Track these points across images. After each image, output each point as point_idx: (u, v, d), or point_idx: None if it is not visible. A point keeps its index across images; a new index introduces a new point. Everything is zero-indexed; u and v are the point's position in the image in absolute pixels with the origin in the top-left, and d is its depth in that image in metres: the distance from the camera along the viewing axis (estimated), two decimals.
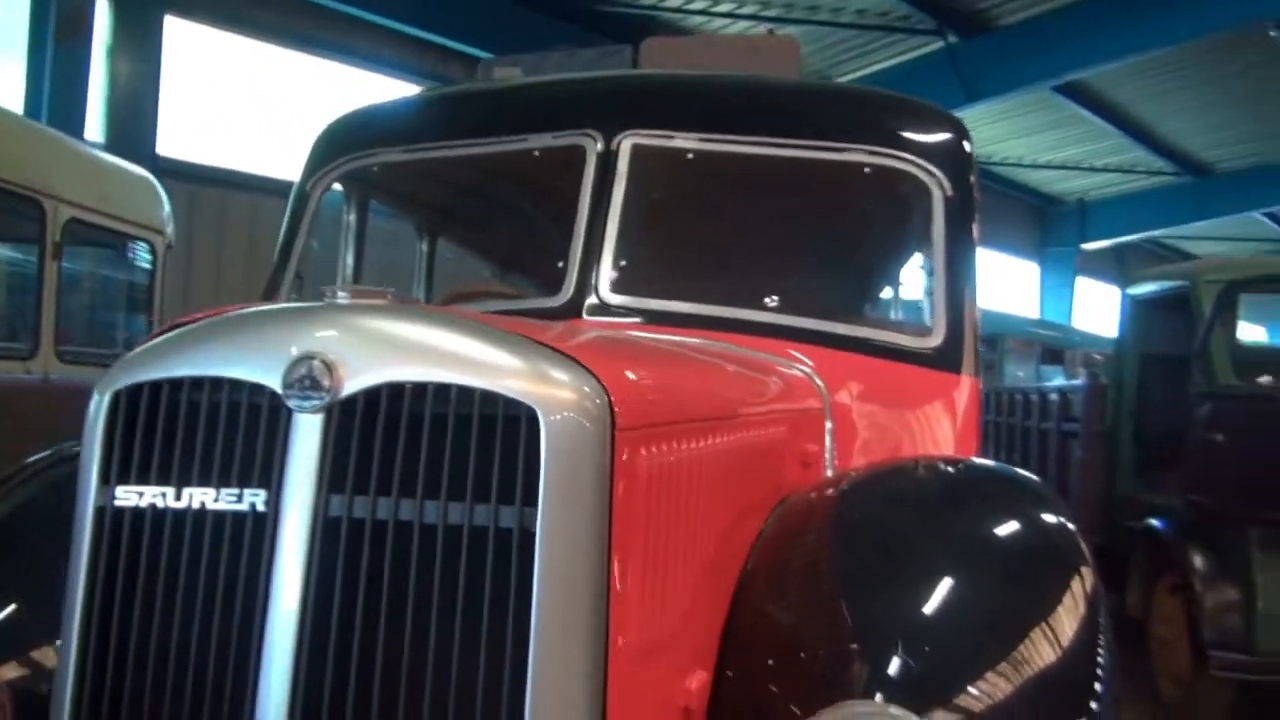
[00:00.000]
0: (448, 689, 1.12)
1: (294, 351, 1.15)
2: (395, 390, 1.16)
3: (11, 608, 1.64)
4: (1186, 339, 4.73)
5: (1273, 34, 9.84)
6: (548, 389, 1.16)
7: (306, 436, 1.15)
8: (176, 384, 1.20)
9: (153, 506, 1.19)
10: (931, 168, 2.62)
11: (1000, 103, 10.70)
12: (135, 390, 1.21)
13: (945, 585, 1.52)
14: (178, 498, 1.18)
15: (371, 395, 1.15)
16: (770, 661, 1.46)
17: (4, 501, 1.89)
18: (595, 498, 1.16)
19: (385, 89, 9.60)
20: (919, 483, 1.88)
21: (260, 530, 1.15)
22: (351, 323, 1.19)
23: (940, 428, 2.49)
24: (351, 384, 1.15)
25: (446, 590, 1.13)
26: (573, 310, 2.35)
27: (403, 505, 1.14)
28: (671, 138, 2.58)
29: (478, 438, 1.15)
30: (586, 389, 1.18)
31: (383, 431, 1.15)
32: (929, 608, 1.48)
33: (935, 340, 2.54)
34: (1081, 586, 1.55)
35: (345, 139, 2.87)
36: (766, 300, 2.59)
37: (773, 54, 3.32)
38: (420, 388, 1.15)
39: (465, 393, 1.15)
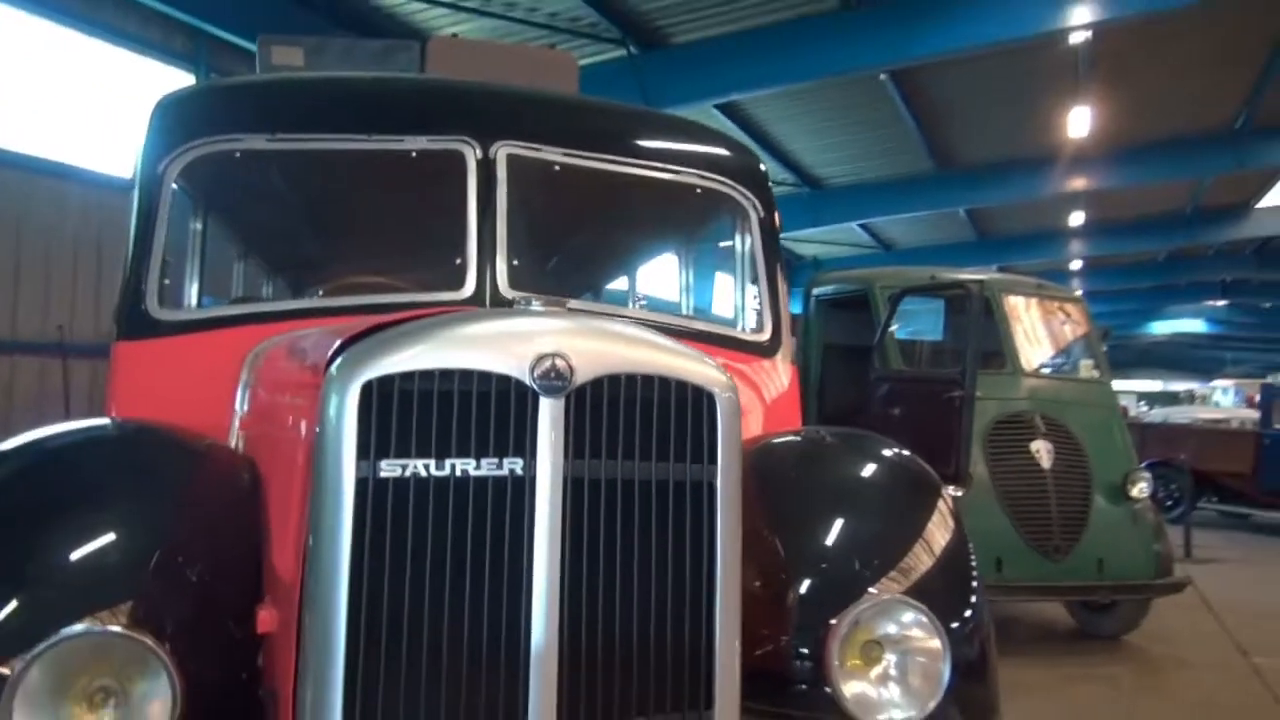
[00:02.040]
0: (663, 606, 1.52)
1: (539, 350, 1.47)
2: (614, 380, 1.52)
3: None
4: (865, 332, 5.89)
5: (881, 78, 11.93)
6: (715, 376, 1.60)
7: (551, 417, 1.47)
8: (427, 375, 1.45)
9: (416, 476, 1.44)
10: (748, 193, 3.27)
11: (674, 111, 11.88)
12: (386, 380, 1.45)
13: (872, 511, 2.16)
14: (440, 467, 1.44)
15: (597, 384, 1.51)
16: (783, 575, 1.98)
17: None
18: (739, 455, 1.62)
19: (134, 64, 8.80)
20: (822, 442, 2.51)
21: (520, 491, 1.45)
22: (577, 328, 1.53)
23: (779, 403, 3.14)
24: (581, 375, 1.49)
25: (659, 529, 1.53)
26: (478, 303, 2.65)
27: (624, 466, 1.52)
28: (540, 150, 2.96)
29: (675, 414, 1.55)
30: (727, 377, 1.62)
31: (607, 411, 1.51)
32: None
33: (765, 335, 3.18)
34: (946, 503, 2.26)
35: (197, 119, 2.84)
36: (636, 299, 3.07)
37: (554, 67, 3.77)
38: (632, 378, 1.53)
39: (664, 381, 1.55)
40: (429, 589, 1.42)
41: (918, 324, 6.65)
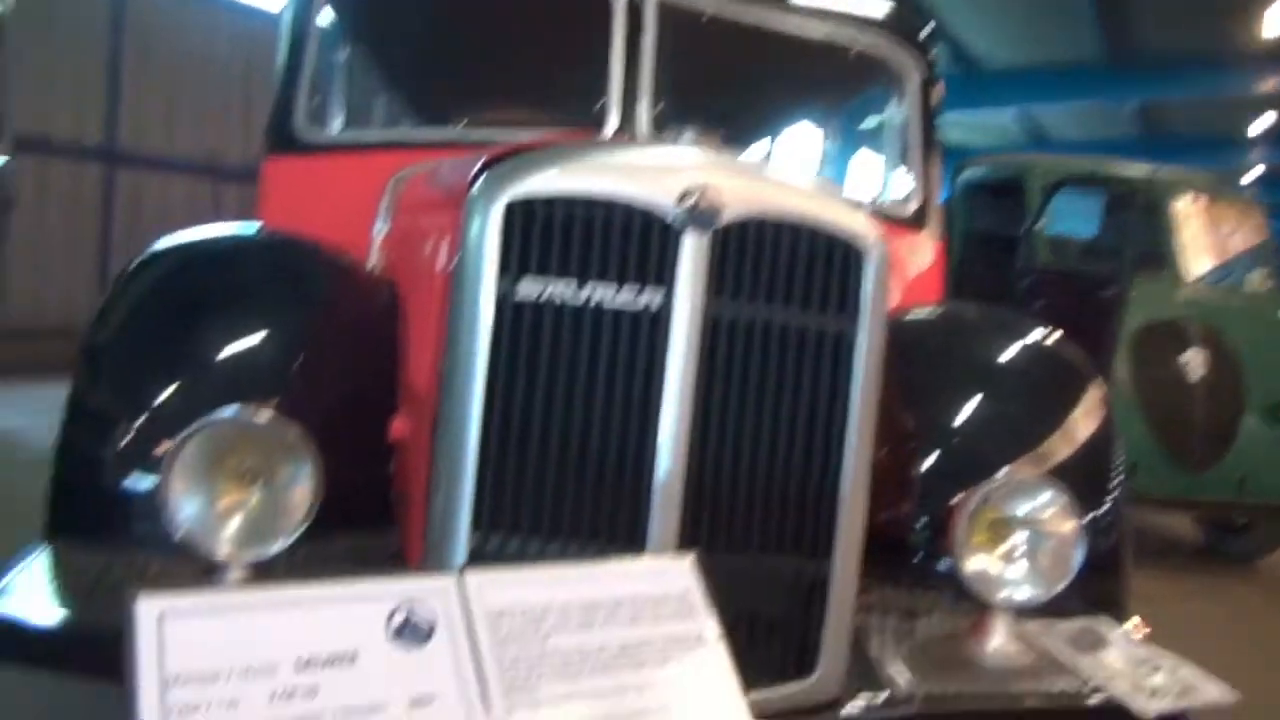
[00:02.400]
0: (790, 450, 1.49)
1: (688, 183, 1.42)
2: (761, 223, 1.46)
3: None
4: (1012, 222, 5.59)
5: None
6: (866, 229, 1.52)
7: (694, 252, 1.43)
8: (570, 199, 1.42)
9: (553, 298, 1.42)
10: (911, 55, 3.07)
11: None
12: (529, 201, 1.42)
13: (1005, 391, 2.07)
14: (578, 292, 1.42)
15: (743, 224, 1.45)
16: (915, 445, 1.93)
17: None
18: (884, 313, 1.55)
19: None
20: (968, 317, 2.41)
21: (656, 324, 1.43)
22: (729, 165, 1.47)
23: (923, 278, 3.02)
24: (728, 214, 1.44)
25: (795, 377, 1.49)
26: None
27: (765, 309, 1.47)
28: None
29: (823, 264, 1.49)
30: (878, 234, 1.54)
31: (752, 252, 1.46)
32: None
33: (913, 207, 3.04)
34: (1098, 391, 2.15)
35: None
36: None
37: None
38: (780, 223, 1.46)
39: (814, 229, 1.48)
40: (559, 407, 1.43)
41: (1070, 219, 6.28)
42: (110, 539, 1.71)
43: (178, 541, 1.53)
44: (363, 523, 1.86)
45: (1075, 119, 17.99)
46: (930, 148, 3.14)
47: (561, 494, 1.44)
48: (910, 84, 3.10)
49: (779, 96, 3.41)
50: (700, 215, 1.42)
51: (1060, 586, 1.79)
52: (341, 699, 0.74)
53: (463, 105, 3.04)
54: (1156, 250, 5.61)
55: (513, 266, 1.42)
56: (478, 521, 1.44)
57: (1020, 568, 1.81)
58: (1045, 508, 1.82)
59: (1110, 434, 2.15)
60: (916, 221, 3.03)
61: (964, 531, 1.78)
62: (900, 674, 1.65)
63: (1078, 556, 1.79)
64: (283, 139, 2.77)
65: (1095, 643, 1.91)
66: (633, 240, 1.42)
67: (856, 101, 3.43)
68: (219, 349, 1.84)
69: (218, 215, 9.09)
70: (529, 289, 1.42)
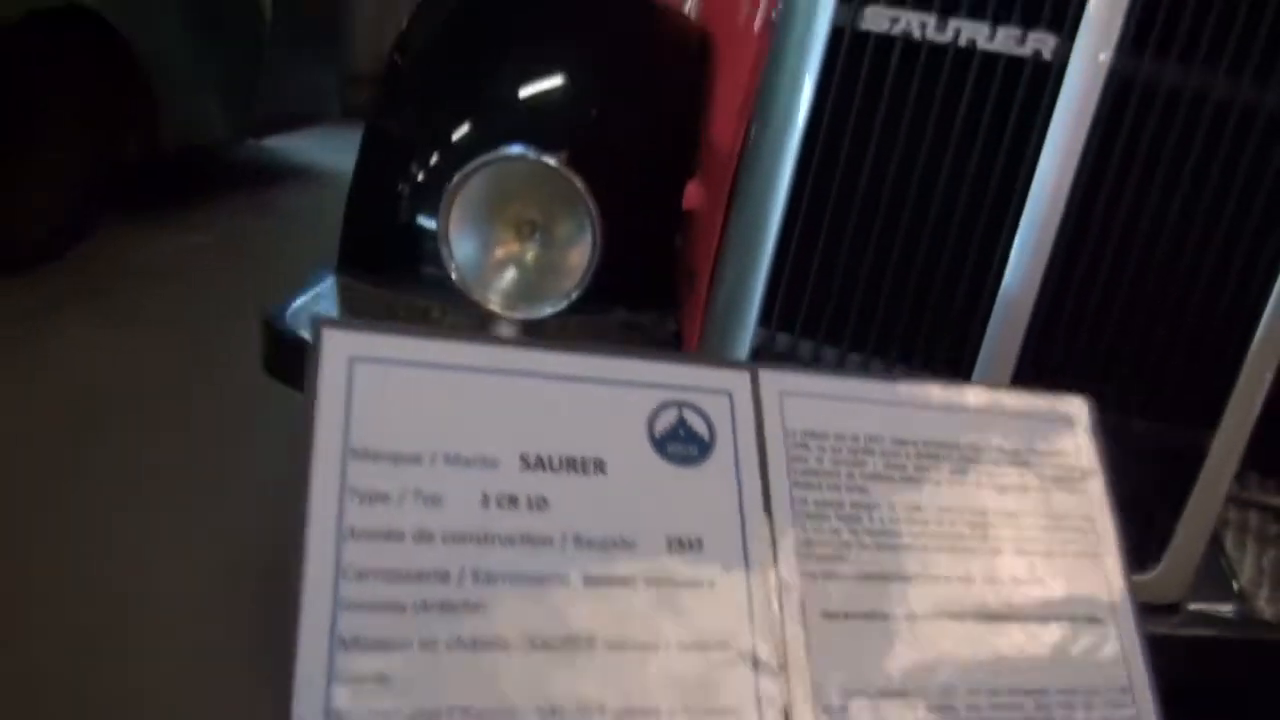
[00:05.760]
0: (1193, 280, 1.10)
1: None
2: None
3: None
4: None
5: None
6: None
7: None
8: None
9: (908, 34, 1.09)
10: None
11: None
12: None
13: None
14: (940, 28, 1.08)
15: None
16: None
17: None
18: None
19: None
20: None
21: (1042, 80, 1.06)
22: None
23: None
24: None
25: (1223, 174, 1.07)
26: None
27: (1198, 73, 1.05)
28: None
29: None
30: None
31: None
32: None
33: None
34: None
35: None
36: None
37: None
38: None
39: None
40: (892, 179, 1.12)
41: None
42: (394, 276, 1.67)
43: (453, 286, 1.43)
44: (644, 300, 1.70)
45: None
46: None
47: (875, 293, 1.15)
48: None
49: None
50: None
51: None
52: (577, 521, 0.54)
53: None
54: None
55: None
56: (767, 316, 1.20)
57: None
58: None
59: None
60: None
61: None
62: (1258, 588, 1.28)
63: None
64: None
65: None
66: None
67: None
68: (516, 86, 1.70)
69: None
70: (875, 18, 1.09)
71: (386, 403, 0.53)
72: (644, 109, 1.79)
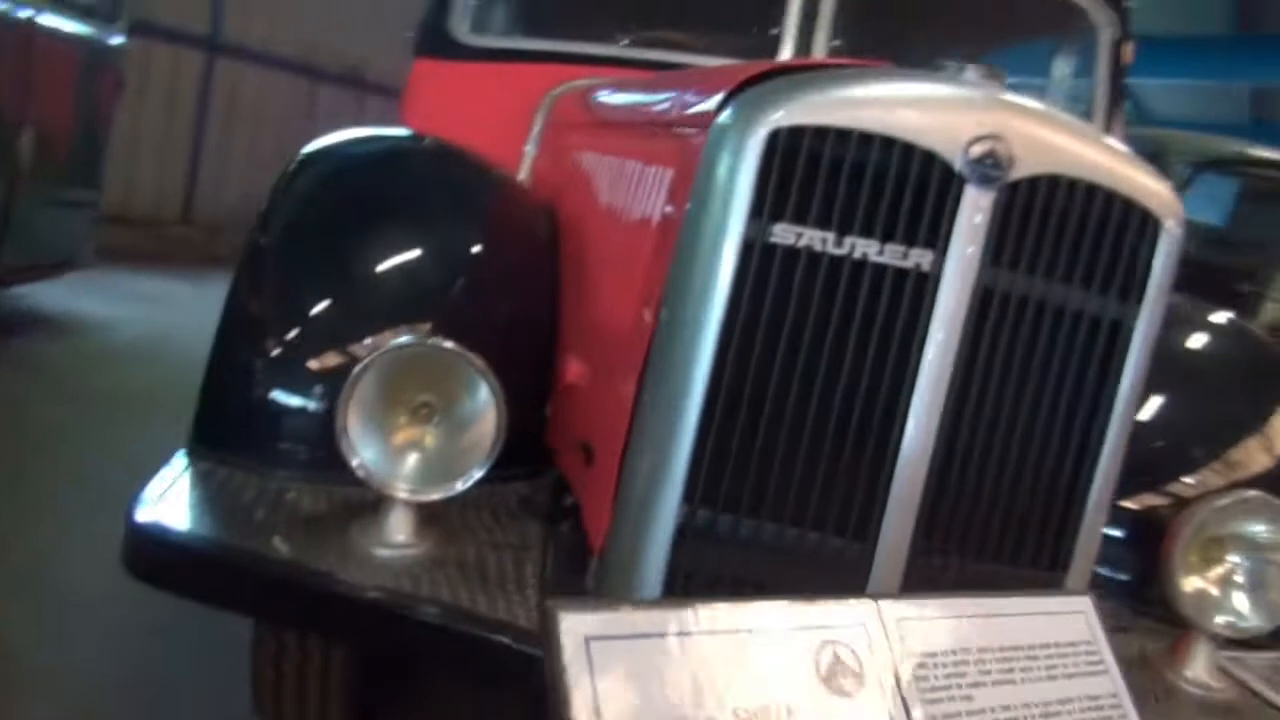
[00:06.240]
0: (1046, 449, 1.32)
1: (979, 130, 1.23)
2: (1054, 180, 1.26)
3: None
4: None
5: None
6: (1169, 200, 1.32)
7: (975, 211, 1.24)
8: (844, 134, 1.24)
9: (810, 249, 1.25)
10: (1105, 9, 2.81)
11: None
12: (796, 131, 1.24)
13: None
14: (838, 244, 1.25)
15: (1035, 181, 1.26)
16: None
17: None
18: (1165, 301, 1.36)
19: None
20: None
21: (921, 289, 1.25)
22: (1024, 109, 1.27)
23: None
24: (1020, 169, 1.25)
25: (1062, 366, 1.31)
26: None
27: (1043, 286, 1.28)
28: None
29: (1113, 236, 1.30)
30: (1178, 205, 1.34)
31: (1039, 216, 1.27)
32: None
33: None
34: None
35: None
36: None
37: None
38: (1075, 182, 1.27)
39: (1110, 194, 1.29)
40: (801, 370, 1.26)
41: (1194, 204, 5.92)
42: (253, 455, 1.61)
43: (357, 475, 1.41)
44: (533, 472, 1.74)
45: (1179, 97, 17.11)
46: (1116, 109, 2.90)
47: (789, 471, 1.28)
48: (1102, 38, 2.86)
49: (964, 38, 3.16)
50: (990, 168, 1.23)
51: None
52: None
53: (627, 22, 2.84)
54: None
55: (766, 210, 1.25)
56: (690, 493, 1.29)
57: (1240, 593, 1.65)
58: (1272, 531, 1.64)
59: None
60: None
61: (1182, 550, 1.62)
62: None
63: None
64: (437, 41, 2.61)
65: None
66: (907, 190, 1.24)
67: (1044, 51, 3.18)
68: (378, 265, 1.73)
69: (312, 116, 8.94)
70: (783, 234, 1.25)
71: (623, 677, 0.56)
72: (508, 285, 1.87)
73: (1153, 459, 1.84)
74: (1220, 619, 1.63)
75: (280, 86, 9.19)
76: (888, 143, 1.24)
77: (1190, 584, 1.64)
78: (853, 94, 1.26)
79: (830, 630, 0.66)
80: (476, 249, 1.83)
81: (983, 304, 1.26)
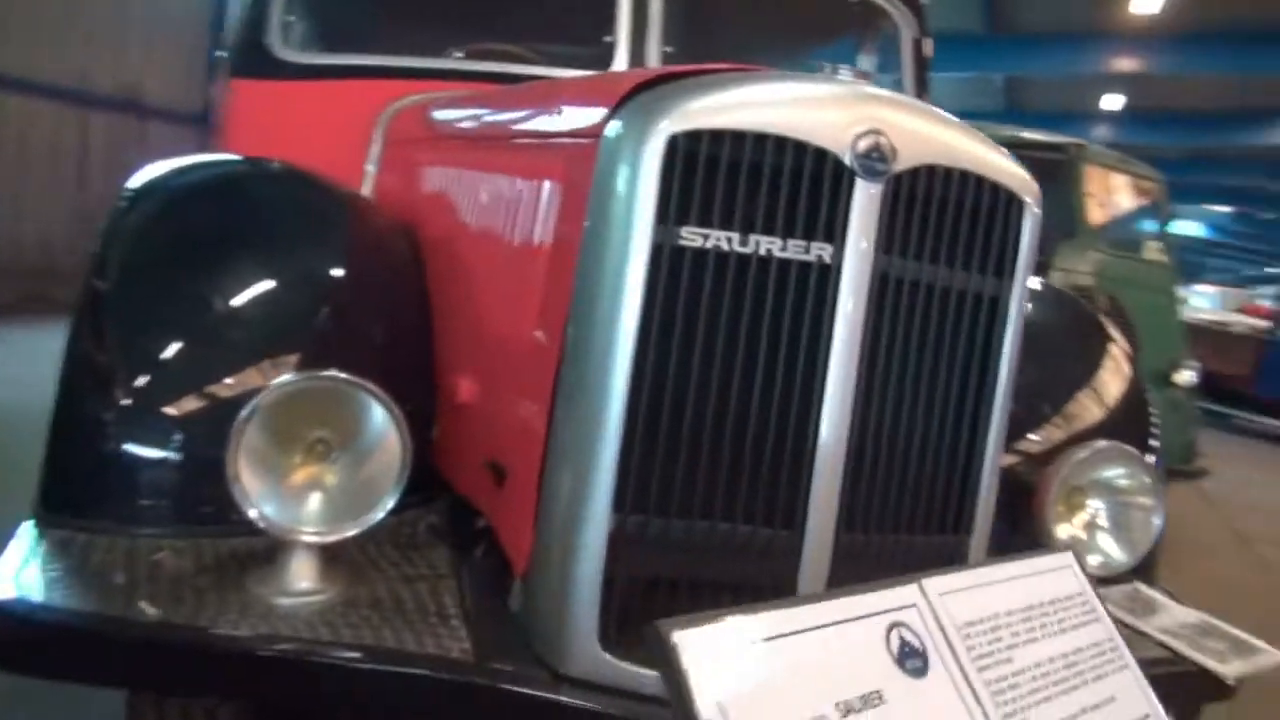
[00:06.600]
0: (944, 421, 1.40)
1: (864, 127, 1.29)
2: (931, 170, 1.34)
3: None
4: None
5: None
6: (1028, 182, 1.43)
7: (867, 203, 1.30)
8: (739, 136, 1.27)
9: (717, 249, 1.27)
10: (905, 10, 3.03)
11: None
12: (694, 135, 1.26)
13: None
14: (743, 243, 1.28)
15: (914, 173, 1.33)
16: None
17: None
18: (1029, 274, 1.47)
19: None
20: None
21: (824, 280, 1.30)
22: (902, 104, 1.34)
23: None
24: (902, 161, 1.32)
25: (952, 342, 1.39)
26: None
27: (930, 269, 1.36)
28: None
29: (985, 218, 1.39)
30: (1035, 186, 1.46)
31: (921, 205, 1.34)
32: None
33: None
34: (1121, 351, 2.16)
35: None
36: None
37: None
38: (950, 171, 1.35)
39: (980, 180, 1.38)
40: (718, 371, 1.28)
41: None
42: (112, 516, 1.48)
43: (255, 524, 1.32)
44: (410, 495, 1.67)
45: (942, 89, 18.53)
46: (923, 100, 3.12)
47: (716, 469, 1.30)
48: (905, 36, 3.07)
49: (782, 41, 3.29)
50: (876, 162, 1.29)
51: (1143, 553, 1.80)
52: None
53: (456, 35, 2.79)
54: (1069, 219, 5.81)
55: (671, 215, 1.26)
56: (619, 501, 1.28)
57: (1106, 535, 1.81)
58: (1127, 476, 1.81)
59: (1144, 398, 2.18)
60: None
61: (1052, 502, 1.76)
62: None
63: (1157, 524, 1.80)
64: (255, 60, 2.46)
65: (1148, 607, 1.93)
66: (803, 186, 1.28)
67: (848, 50, 3.36)
68: (230, 300, 1.61)
69: (86, 148, 8.25)
70: (690, 237, 1.27)
71: (737, 683, 0.55)
72: (372, 305, 1.79)
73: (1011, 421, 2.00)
74: (1093, 559, 1.78)
75: (44, 116, 8.43)
76: (781, 142, 1.27)
77: (1062, 531, 1.79)
78: (743, 97, 1.29)
79: (893, 614, 0.68)
80: (338, 272, 1.74)
81: (880, 291, 1.32)
